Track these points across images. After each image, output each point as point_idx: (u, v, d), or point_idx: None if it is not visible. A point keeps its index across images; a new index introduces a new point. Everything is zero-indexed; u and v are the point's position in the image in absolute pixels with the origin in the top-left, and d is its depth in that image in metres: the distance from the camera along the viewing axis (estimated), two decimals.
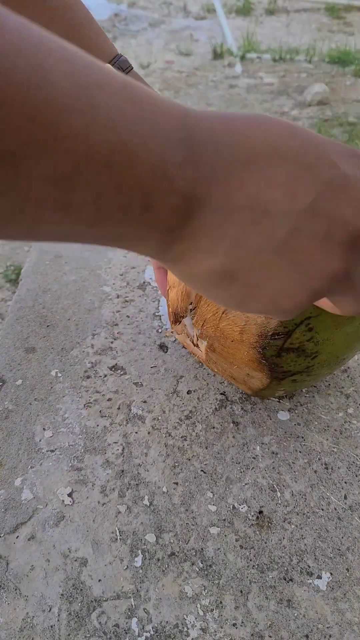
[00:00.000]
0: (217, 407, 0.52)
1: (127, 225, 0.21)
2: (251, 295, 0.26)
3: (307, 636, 0.37)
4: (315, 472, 0.46)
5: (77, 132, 0.18)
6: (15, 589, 0.40)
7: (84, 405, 0.53)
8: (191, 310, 0.48)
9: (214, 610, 0.38)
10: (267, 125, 0.24)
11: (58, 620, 0.38)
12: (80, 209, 0.19)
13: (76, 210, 0.19)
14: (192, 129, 0.22)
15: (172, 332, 0.57)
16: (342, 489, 0.45)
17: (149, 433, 0.50)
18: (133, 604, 0.39)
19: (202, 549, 0.41)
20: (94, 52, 0.50)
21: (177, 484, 0.46)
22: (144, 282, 0.68)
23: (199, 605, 0.38)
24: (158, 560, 0.41)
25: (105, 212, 0.20)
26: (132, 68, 0.53)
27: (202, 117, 0.23)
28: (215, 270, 0.25)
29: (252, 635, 0.37)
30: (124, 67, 0.52)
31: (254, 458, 0.47)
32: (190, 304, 0.48)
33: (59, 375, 0.56)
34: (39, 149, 0.17)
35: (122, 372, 0.56)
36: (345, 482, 0.45)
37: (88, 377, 0.56)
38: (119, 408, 0.53)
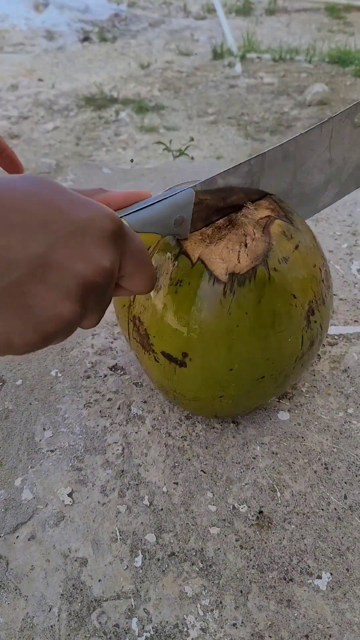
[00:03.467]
0: None
1: None
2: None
3: (307, 636, 0.37)
4: (315, 472, 0.46)
5: None
6: (15, 589, 0.40)
7: (84, 405, 0.53)
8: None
9: (214, 610, 0.38)
10: (18, 187, 0.27)
11: (58, 620, 0.38)
12: None
13: None
14: None
15: None
16: (342, 489, 0.45)
17: (149, 433, 0.50)
18: (133, 604, 0.39)
19: (202, 549, 0.41)
20: None
21: (177, 484, 0.46)
22: None
23: (199, 605, 0.38)
24: (158, 560, 0.41)
25: None
26: None
27: None
28: None
29: (252, 635, 0.37)
30: None
31: (254, 458, 0.47)
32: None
33: (59, 375, 0.56)
34: None
35: (122, 372, 0.56)
36: (345, 482, 0.45)
37: (88, 377, 0.56)
38: (119, 408, 0.53)
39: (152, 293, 0.42)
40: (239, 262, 0.39)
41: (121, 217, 0.34)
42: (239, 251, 0.39)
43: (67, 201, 0.29)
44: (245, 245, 0.39)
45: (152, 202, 0.35)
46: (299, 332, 0.41)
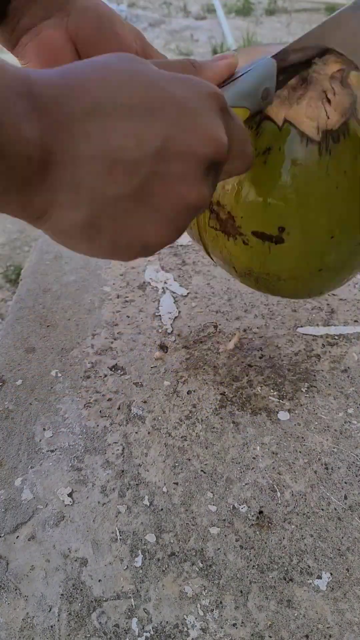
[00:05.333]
0: (217, 407, 0.52)
1: None
2: (120, 243, 0.27)
3: (307, 636, 0.37)
4: (315, 472, 0.46)
5: None
6: (15, 589, 0.40)
7: (84, 405, 0.53)
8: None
9: (214, 610, 0.38)
10: (106, 74, 0.25)
11: (58, 620, 0.38)
12: None
13: None
14: (33, 83, 0.22)
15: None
16: (342, 489, 0.45)
17: (149, 433, 0.50)
18: (133, 604, 0.39)
19: (202, 549, 0.41)
20: None
21: (177, 484, 0.46)
22: (144, 282, 0.68)
23: (199, 605, 0.38)
24: (158, 560, 0.41)
25: None
26: None
27: (43, 73, 0.23)
28: (80, 224, 0.25)
29: (252, 635, 0.37)
30: None
31: (254, 458, 0.47)
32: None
33: (59, 375, 0.56)
34: None
35: (122, 372, 0.56)
36: (345, 482, 0.45)
37: (88, 377, 0.56)
38: (119, 408, 0.53)
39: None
40: (329, 118, 0.36)
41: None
42: (324, 108, 0.37)
43: (168, 81, 0.27)
44: (329, 101, 0.37)
45: (238, 75, 0.34)
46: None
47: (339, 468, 0.47)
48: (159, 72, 0.27)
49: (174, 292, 0.66)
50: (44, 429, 0.51)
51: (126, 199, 0.25)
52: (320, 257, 0.40)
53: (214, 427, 0.50)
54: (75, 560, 0.41)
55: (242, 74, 0.34)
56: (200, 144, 0.27)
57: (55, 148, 0.23)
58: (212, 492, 0.45)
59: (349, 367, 0.56)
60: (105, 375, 0.56)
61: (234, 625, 0.37)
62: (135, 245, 0.27)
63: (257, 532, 0.42)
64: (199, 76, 0.31)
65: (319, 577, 0.40)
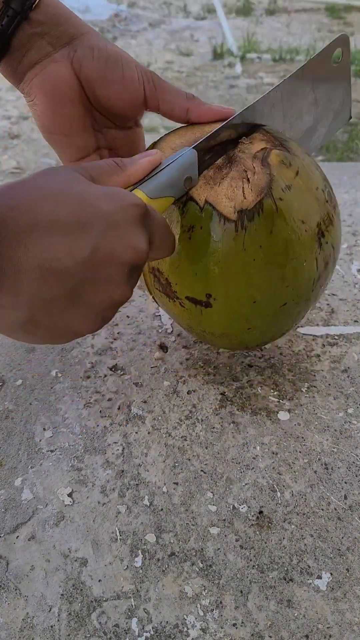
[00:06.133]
0: (217, 407, 0.52)
1: None
2: (55, 334, 0.31)
3: (307, 636, 0.37)
4: (315, 472, 0.46)
5: None
6: (15, 589, 0.40)
7: (84, 405, 0.53)
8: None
9: (214, 610, 0.38)
10: (46, 194, 0.29)
11: (58, 620, 0.38)
12: None
13: None
14: None
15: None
16: (342, 489, 0.45)
17: (149, 433, 0.50)
18: (133, 604, 0.39)
19: (202, 549, 0.41)
20: None
21: (177, 484, 0.46)
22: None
23: (199, 605, 0.38)
24: (158, 560, 0.41)
25: None
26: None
27: None
28: (20, 321, 0.29)
29: (252, 635, 0.37)
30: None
31: (254, 458, 0.47)
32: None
33: (59, 375, 0.56)
34: None
35: (122, 372, 0.56)
36: (345, 482, 0.45)
37: (88, 377, 0.56)
38: (119, 408, 0.53)
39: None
40: (245, 198, 0.40)
41: (137, 188, 0.37)
42: (243, 187, 0.40)
43: (97, 197, 0.31)
44: (248, 180, 0.40)
45: (160, 169, 0.38)
46: (312, 255, 0.42)
47: (339, 468, 0.47)
48: (90, 188, 0.31)
49: None
50: (44, 429, 0.51)
51: (60, 300, 0.29)
52: (246, 318, 0.44)
53: (214, 427, 0.50)
54: (75, 560, 0.41)
55: (166, 166, 0.38)
56: (123, 252, 0.31)
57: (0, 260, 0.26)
58: (212, 492, 0.45)
59: (349, 367, 0.56)
60: (105, 375, 0.56)
61: (234, 625, 0.37)
62: (68, 335, 0.32)
63: (257, 532, 0.42)
64: (123, 173, 0.36)
65: (319, 577, 0.40)
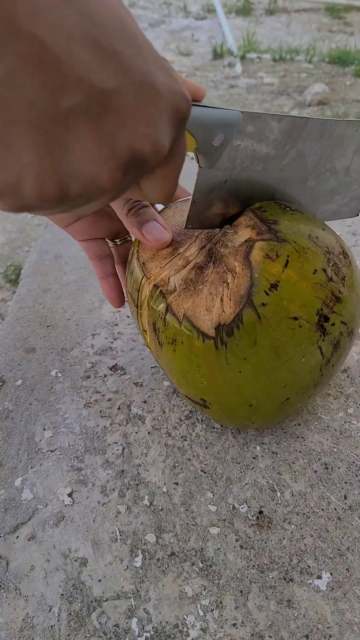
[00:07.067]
0: None
1: None
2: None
3: (307, 636, 0.37)
4: (315, 472, 0.46)
5: None
6: (15, 589, 0.40)
7: (84, 405, 0.53)
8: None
9: (214, 610, 0.38)
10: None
11: (58, 620, 0.38)
12: None
13: None
14: None
15: None
16: (342, 489, 0.45)
17: (149, 433, 0.50)
18: (133, 604, 0.39)
19: (202, 549, 0.41)
20: None
21: (177, 484, 0.46)
22: None
23: (199, 605, 0.38)
24: (158, 560, 0.41)
25: None
26: None
27: None
28: None
29: (252, 635, 0.37)
30: None
31: (254, 458, 0.47)
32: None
33: (59, 375, 0.56)
34: None
35: (122, 372, 0.56)
36: (345, 482, 0.45)
37: (88, 377, 0.56)
38: (119, 408, 0.53)
39: (154, 347, 0.42)
40: (224, 311, 0.36)
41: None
42: (222, 296, 0.37)
43: (153, 58, 0.23)
44: (228, 285, 0.37)
45: (203, 105, 0.32)
46: (313, 346, 0.38)
47: (338, 468, 0.47)
48: (152, 51, 0.24)
49: None
50: (44, 429, 0.51)
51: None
52: (247, 417, 0.42)
53: (214, 427, 0.50)
54: (75, 560, 0.41)
55: (209, 106, 0.33)
56: (143, 127, 0.23)
57: None
58: (212, 492, 0.45)
59: (349, 367, 0.56)
60: (105, 375, 0.56)
61: (234, 625, 0.37)
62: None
63: (257, 532, 0.42)
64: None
65: (319, 577, 0.40)
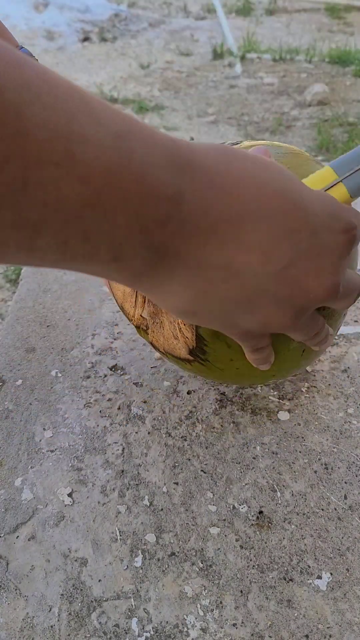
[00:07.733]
0: (217, 407, 0.52)
1: (94, 266, 0.22)
2: (213, 325, 0.28)
3: (307, 636, 0.37)
4: (315, 472, 0.46)
5: (47, 184, 0.17)
6: (15, 589, 0.40)
7: (84, 405, 0.53)
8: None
9: (214, 611, 0.38)
10: (261, 182, 0.24)
11: (58, 620, 0.38)
12: (44, 252, 0.19)
13: (39, 252, 0.19)
14: (186, 181, 0.21)
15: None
16: (342, 489, 0.45)
17: (149, 433, 0.50)
18: (133, 604, 0.39)
19: (202, 549, 0.41)
20: None
21: (177, 484, 0.46)
22: None
23: (199, 605, 0.38)
24: (158, 560, 0.41)
25: (71, 256, 0.20)
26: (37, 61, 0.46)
27: (198, 169, 0.22)
28: (180, 308, 0.27)
29: (252, 635, 0.37)
30: None
31: (254, 458, 0.47)
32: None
33: (59, 375, 0.56)
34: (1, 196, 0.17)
35: (122, 372, 0.56)
36: (345, 482, 0.45)
37: (88, 377, 0.56)
38: (119, 408, 0.53)
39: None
40: (186, 337, 0.39)
41: (341, 181, 0.30)
42: (178, 321, 0.40)
43: (311, 202, 0.25)
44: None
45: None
46: (295, 357, 0.40)
47: (338, 468, 0.47)
48: (304, 189, 0.26)
49: None
50: (44, 429, 0.51)
51: (229, 303, 0.26)
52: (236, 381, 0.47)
53: (214, 427, 0.50)
54: (75, 560, 0.41)
55: None
56: (316, 281, 0.26)
57: (182, 252, 0.22)
58: (212, 492, 0.45)
59: (349, 367, 0.56)
60: (105, 375, 0.56)
61: (234, 625, 0.37)
62: (232, 329, 0.29)
63: (257, 532, 0.42)
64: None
65: (319, 577, 0.40)
